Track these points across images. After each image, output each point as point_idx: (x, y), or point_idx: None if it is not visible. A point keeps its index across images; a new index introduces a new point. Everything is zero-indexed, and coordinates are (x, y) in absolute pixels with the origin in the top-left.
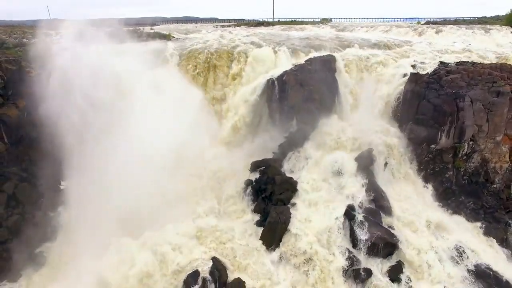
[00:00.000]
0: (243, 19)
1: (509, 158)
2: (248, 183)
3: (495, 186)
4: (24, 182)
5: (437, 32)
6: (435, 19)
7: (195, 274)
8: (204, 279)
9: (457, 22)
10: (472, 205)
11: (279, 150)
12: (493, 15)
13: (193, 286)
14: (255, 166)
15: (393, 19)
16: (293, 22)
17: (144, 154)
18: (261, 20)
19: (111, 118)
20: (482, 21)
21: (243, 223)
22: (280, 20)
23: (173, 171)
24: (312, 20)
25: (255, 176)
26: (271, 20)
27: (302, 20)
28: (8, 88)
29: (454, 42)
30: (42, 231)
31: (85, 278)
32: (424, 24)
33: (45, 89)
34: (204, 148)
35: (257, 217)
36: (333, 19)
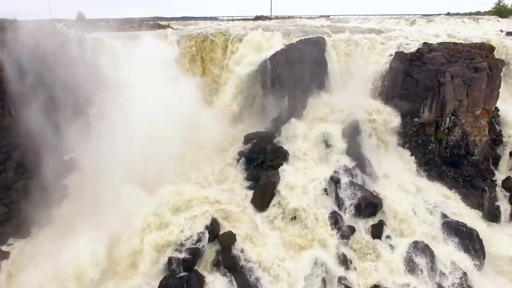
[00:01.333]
0: (242, 16)
1: (488, 132)
2: (241, 153)
3: (474, 157)
4: (30, 151)
5: (428, 22)
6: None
7: (190, 228)
8: (198, 232)
9: (450, 14)
10: (452, 174)
11: (271, 124)
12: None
13: (189, 239)
14: (248, 139)
15: (393, 16)
16: (291, 18)
17: (148, 125)
18: (259, 15)
19: (119, 85)
20: (476, 14)
21: (236, 189)
22: (278, 16)
23: (174, 140)
24: (310, 17)
25: (248, 147)
26: (269, 15)
27: (300, 16)
28: (13, 63)
29: (445, 30)
30: (49, 195)
31: (89, 234)
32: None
33: (52, 64)
34: (201, 121)
35: (249, 183)
36: (331, 16)
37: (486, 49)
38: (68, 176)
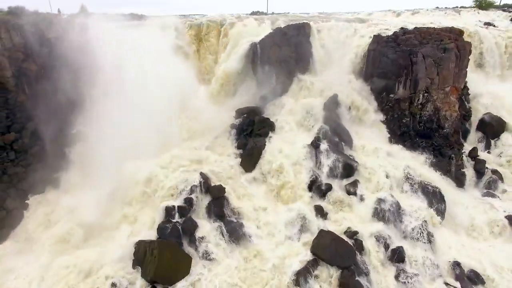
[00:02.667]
0: (237, 14)
1: (458, 108)
2: (233, 126)
3: (445, 130)
4: (42, 123)
5: (412, 14)
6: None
7: (185, 182)
8: (192, 185)
9: (438, 8)
10: (424, 144)
11: (260, 101)
12: None
13: (184, 190)
14: (239, 113)
15: (383, 10)
16: (287, 14)
17: (147, 103)
18: (255, 11)
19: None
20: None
21: (228, 156)
22: (274, 12)
23: (172, 113)
24: (306, 14)
25: (239, 121)
26: (265, 11)
27: (295, 13)
28: (27, 47)
29: (431, 22)
30: (59, 161)
31: (93, 190)
32: None
33: (60, 50)
34: (198, 100)
35: (239, 151)
36: (326, 13)
37: (455, 33)
38: (75, 146)
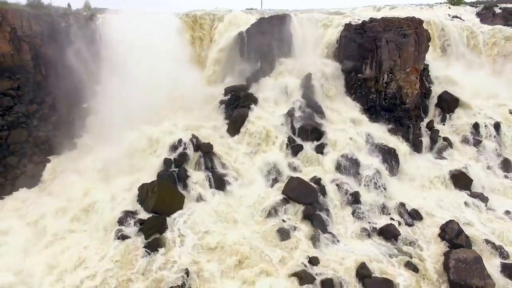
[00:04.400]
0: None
1: (420, 87)
2: (222, 101)
3: (407, 106)
4: (58, 98)
5: (390, 9)
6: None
7: (180, 141)
8: (185, 143)
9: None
10: (387, 116)
11: (246, 81)
12: None
13: (179, 147)
14: (227, 91)
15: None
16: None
17: (148, 82)
18: (249, 8)
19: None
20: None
21: (217, 124)
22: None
23: (171, 91)
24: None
25: (227, 97)
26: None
27: (288, 10)
28: (44, 34)
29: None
30: (73, 130)
31: (108, 150)
32: None
33: (71, 37)
34: (193, 80)
35: (227, 121)
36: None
37: (415, 22)
38: (86, 117)
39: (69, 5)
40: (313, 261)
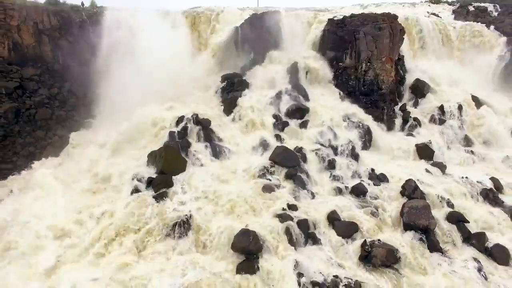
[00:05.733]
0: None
1: (395, 75)
2: (219, 87)
3: (383, 91)
4: (75, 84)
5: (376, 6)
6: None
7: (183, 117)
8: (187, 118)
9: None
10: (365, 100)
11: (241, 70)
12: None
13: (182, 122)
14: (224, 78)
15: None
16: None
17: (154, 70)
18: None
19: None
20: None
21: (214, 106)
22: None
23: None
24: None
25: (224, 84)
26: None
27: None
28: (62, 27)
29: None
30: (88, 111)
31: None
32: None
33: (85, 31)
34: (192, 69)
35: (222, 104)
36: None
37: (390, 17)
38: (99, 101)
39: (82, 3)
40: (292, 207)
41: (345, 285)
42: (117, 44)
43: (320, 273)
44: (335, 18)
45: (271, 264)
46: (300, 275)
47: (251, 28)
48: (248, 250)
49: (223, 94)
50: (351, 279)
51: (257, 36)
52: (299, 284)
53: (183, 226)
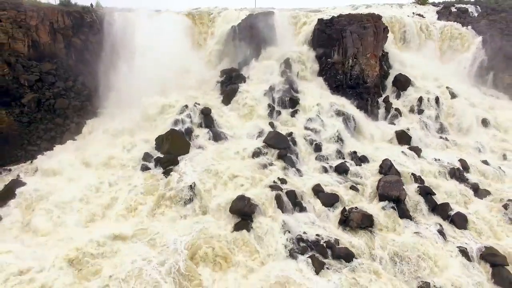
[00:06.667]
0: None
1: (379, 70)
2: (218, 81)
3: (368, 84)
4: (87, 77)
5: (367, 7)
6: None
7: (186, 106)
8: (190, 108)
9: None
10: (351, 92)
11: (238, 65)
12: None
13: (185, 110)
14: (223, 73)
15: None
16: None
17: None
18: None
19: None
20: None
21: (214, 97)
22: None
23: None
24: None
25: (223, 78)
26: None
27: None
28: (74, 27)
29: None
30: (100, 102)
31: (129, 115)
32: None
33: (96, 29)
34: (195, 64)
35: (222, 96)
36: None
37: (374, 17)
38: (109, 93)
39: (91, 4)
40: (282, 181)
41: (325, 241)
42: (124, 42)
43: (304, 232)
44: (324, 18)
45: (262, 223)
46: (287, 232)
47: (247, 27)
48: (243, 212)
49: (222, 86)
50: (331, 237)
51: (253, 34)
52: (286, 239)
53: (188, 194)
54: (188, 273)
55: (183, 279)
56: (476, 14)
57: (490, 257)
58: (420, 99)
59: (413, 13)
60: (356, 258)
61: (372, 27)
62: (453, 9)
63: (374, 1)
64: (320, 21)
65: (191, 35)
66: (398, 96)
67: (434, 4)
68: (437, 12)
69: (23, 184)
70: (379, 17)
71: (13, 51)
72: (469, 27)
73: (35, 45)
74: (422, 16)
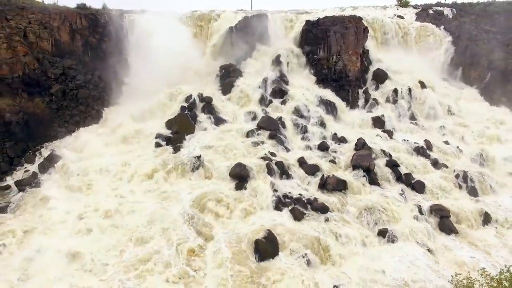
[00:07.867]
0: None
1: (360, 65)
2: (217, 75)
3: (350, 78)
4: (103, 72)
5: (353, 10)
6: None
7: (191, 95)
8: (194, 97)
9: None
10: (334, 84)
11: (235, 62)
12: None
13: (190, 99)
14: (221, 68)
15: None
16: None
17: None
18: (240, 9)
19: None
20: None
21: (215, 89)
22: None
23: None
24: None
25: (221, 72)
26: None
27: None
28: (90, 27)
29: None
30: (114, 94)
31: (141, 105)
32: None
33: (109, 29)
34: (196, 60)
35: (221, 88)
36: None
37: (356, 18)
38: (121, 86)
39: (103, 7)
40: (272, 154)
41: (306, 199)
42: (134, 40)
43: (289, 192)
44: (311, 20)
45: (255, 185)
46: (275, 190)
47: (244, 27)
48: (240, 175)
49: (221, 80)
50: (311, 196)
51: (248, 34)
52: (274, 196)
53: (196, 163)
54: (197, 215)
55: (196, 219)
56: (450, 16)
57: (438, 211)
58: (395, 91)
59: (395, 14)
60: (331, 212)
61: (354, 28)
62: (431, 11)
63: (361, 3)
64: (308, 22)
65: (193, 35)
66: (376, 88)
67: (414, 7)
68: (416, 13)
69: (59, 157)
70: (360, 19)
71: (40, 49)
72: (442, 27)
73: (57, 43)
74: (402, 17)
